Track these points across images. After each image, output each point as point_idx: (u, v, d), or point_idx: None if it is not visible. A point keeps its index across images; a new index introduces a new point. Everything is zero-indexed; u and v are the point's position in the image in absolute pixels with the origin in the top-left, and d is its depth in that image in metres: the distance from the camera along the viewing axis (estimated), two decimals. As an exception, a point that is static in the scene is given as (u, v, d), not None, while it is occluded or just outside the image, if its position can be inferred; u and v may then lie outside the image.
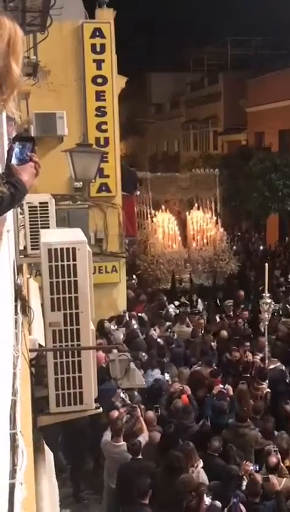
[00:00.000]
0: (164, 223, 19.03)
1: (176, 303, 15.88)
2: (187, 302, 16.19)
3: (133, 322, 13.99)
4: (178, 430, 8.82)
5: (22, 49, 2.10)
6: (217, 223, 19.33)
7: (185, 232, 19.36)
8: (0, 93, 2.04)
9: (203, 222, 19.25)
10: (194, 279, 17.78)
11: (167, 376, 10.98)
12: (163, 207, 19.62)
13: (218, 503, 6.97)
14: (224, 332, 13.41)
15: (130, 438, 8.39)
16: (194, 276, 17.92)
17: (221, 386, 10.16)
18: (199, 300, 16.19)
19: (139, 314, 14.79)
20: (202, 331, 13.67)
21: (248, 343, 12.43)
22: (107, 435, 8.59)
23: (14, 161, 2.49)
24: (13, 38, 2.05)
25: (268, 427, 9.24)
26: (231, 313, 15.25)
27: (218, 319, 14.77)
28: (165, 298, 16.62)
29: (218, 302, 16.63)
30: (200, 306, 15.89)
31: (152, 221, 19.22)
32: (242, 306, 15.71)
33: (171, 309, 15.38)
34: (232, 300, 15.76)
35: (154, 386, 10.53)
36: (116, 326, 13.73)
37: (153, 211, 19.38)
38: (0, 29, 2.01)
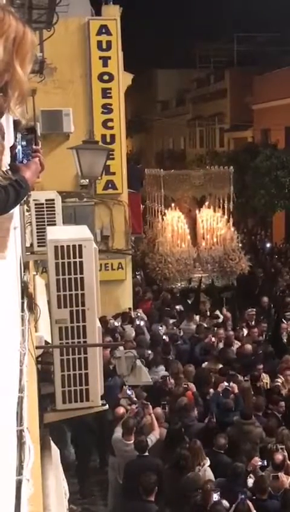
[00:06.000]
0: (173, 221, 18.84)
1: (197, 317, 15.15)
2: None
3: (138, 319, 13.99)
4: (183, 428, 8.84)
5: (30, 52, 2.05)
6: (228, 221, 19.05)
7: (195, 230, 19.15)
8: (4, 94, 2.00)
9: (214, 221, 18.99)
10: (204, 279, 17.60)
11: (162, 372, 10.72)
12: (173, 205, 19.42)
13: (225, 502, 6.98)
14: (248, 346, 12.30)
15: (138, 435, 8.40)
16: (204, 277, 17.74)
17: (226, 383, 10.15)
18: (218, 311, 15.43)
19: (139, 314, 14.65)
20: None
21: (261, 366, 11.17)
22: (118, 431, 8.60)
23: (19, 157, 2.49)
24: (19, 38, 1.99)
25: (271, 424, 9.23)
26: (253, 322, 14.32)
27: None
28: (169, 296, 16.54)
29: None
30: (219, 314, 15.12)
31: (162, 220, 19.00)
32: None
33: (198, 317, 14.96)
34: (254, 309, 14.99)
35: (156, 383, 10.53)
36: (119, 323, 13.72)
37: (163, 209, 19.16)
38: (4, 25, 1.94)
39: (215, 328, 13.40)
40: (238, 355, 12.10)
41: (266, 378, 11.03)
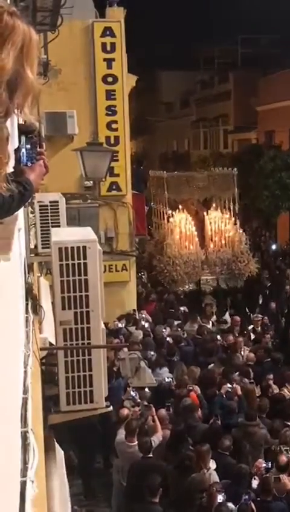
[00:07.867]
0: (181, 223, 18.69)
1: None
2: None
3: (143, 321, 13.98)
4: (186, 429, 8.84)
5: (36, 54, 2.05)
6: (235, 223, 18.84)
7: (203, 232, 19.00)
8: (13, 99, 2.01)
9: (222, 222, 18.85)
10: (212, 281, 17.53)
11: (167, 379, 10.67)
12: (180, 207, 19.31)
13: (230, 505, 6.97)
14: (251, 355, 12.01)
15: (142, 437, 8.40)
16: (212, 279, 17.66)
17: (229, 385, 10.14)
18: (227, 313, 15.34)
19: (144, 315, 14.63)
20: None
21: (271, 376, 10.85)
22: (121, 433, 8.60)
23: (23, 160, 2.50)
24: (27, 43, 1.97)
25: (275, 426, 9.21)
26: (259, 328, 14.02)
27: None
28: (173, 298, 16.51)
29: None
30: (227, 318, 14.91)
31: (168, 222, 18.91)
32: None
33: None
34: (260, 315, 14.74)
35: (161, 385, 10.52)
36: (123, 325, 13.72)
37: (170, 211, 19.07)
38: (14, 34, 1.96)
39: (221, 335, 13.30)
40: (248, 362, 11.91)
41: (287, 393, 10.56)
